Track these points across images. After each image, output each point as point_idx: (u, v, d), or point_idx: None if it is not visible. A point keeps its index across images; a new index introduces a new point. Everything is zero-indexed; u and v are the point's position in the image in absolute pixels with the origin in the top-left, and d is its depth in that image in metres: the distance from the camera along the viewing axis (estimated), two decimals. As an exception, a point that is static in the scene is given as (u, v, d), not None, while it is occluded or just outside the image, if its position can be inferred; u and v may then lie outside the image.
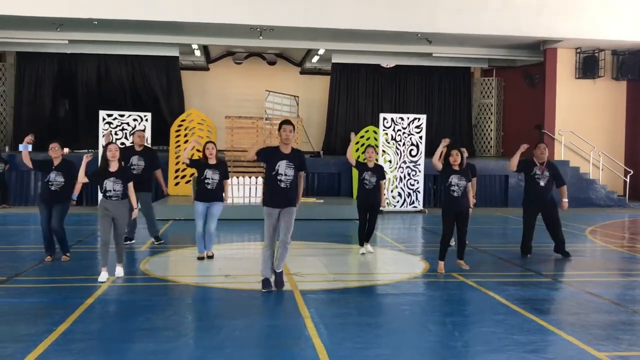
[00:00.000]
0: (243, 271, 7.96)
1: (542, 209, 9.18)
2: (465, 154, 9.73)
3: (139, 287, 7.06)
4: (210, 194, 8.45)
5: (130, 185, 7.44)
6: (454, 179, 7.85)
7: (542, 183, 9.08)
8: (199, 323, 5.77)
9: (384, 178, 9.31)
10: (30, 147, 8.27)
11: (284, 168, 6.72)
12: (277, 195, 6.73)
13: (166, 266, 8.59)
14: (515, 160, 9.03)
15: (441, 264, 8.00)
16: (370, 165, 9.13)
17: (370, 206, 9.17)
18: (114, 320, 5.80)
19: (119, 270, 7.39)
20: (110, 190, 7.26)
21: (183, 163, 9.27)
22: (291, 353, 4.85)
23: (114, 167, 7.35)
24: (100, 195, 8.94)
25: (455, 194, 7.84)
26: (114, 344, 5.01)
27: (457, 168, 7.92)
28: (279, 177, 6.70)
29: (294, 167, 6.77)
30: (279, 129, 6.82)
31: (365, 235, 9.26)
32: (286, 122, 6.91)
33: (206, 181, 8.40)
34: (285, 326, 5.59)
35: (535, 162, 9.18)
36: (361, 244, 9.32)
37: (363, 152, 9.38)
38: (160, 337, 5.15)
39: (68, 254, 8.46)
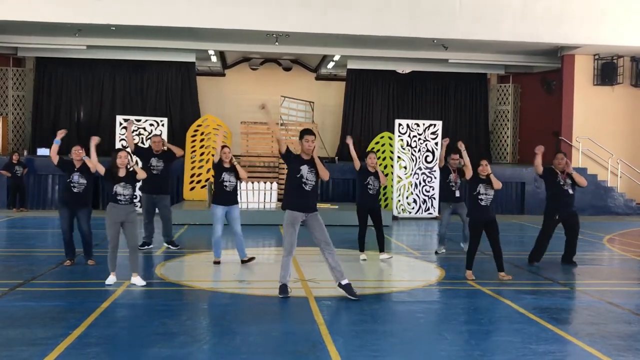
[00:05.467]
0: (258, 277, 7.96)
1: (567, 217, 9.05)
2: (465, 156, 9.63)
3: (154, 292, 7.07)
4: (228, 197, 8.55)
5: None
6: (481, 188, 7.76)
7: (570, 191, 8.95)
8: (213, 328, 5.77)
9: (385, 181, 9.30)
10: (60, 142, 8.17)
11: (306, 172, 6.67)
12: (302, 198, 6.64)
13: (181, 271, 8.61)
14: (538, 162, 8.87)
15: (469, 272, 7.92)
16: (372, 170, 9.13)
17: (370, 211, 9.15)
18: (129, 324, 5.81)
19: (137, 280, 7.24)
20: (120, 195, 7.32)
21: (213, 156, 9.29)
22: (306, 360, 4.83)
23: (122, 172, 7.41)
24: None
25: (483, 203, 7.74)
26: (129, 348, 5.03)
27: (484, 177, 7.83)
28: (304, 180, 6.63)
29: (314, 173, 6.72)
30: (301, 138, 6.68)
31: (378, 244, 9.19)
32: (308, 131, 6.71)
33: (224, 184, 8.50)
34: (300, 333, 5.56)
35: (556, 171, 9.05)
36: (361, 250, 9.26)
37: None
38: (175, 342, 5.15)
39: (92, 259, 8.50)
